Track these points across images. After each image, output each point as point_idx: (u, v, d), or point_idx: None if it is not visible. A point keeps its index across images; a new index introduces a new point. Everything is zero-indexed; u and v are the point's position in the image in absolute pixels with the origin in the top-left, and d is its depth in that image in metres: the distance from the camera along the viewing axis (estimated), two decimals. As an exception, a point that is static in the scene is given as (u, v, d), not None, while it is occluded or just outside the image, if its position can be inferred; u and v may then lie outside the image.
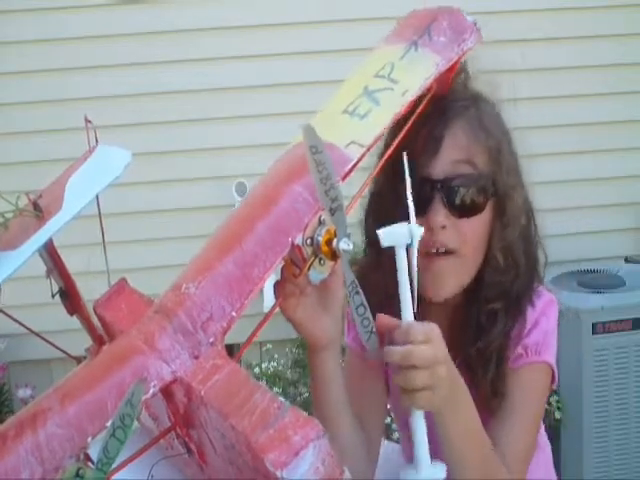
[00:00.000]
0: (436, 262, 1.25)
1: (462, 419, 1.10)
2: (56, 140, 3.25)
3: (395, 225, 0.99)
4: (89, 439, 0.83)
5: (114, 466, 0.77)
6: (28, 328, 1.30)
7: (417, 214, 1.21)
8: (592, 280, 2.97)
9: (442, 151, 1.23)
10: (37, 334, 1.32)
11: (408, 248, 0.99)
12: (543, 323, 1.31)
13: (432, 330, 1.01)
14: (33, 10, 3.28)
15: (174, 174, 3.35)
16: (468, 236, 1.25)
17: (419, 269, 1.25)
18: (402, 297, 1.00)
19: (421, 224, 1.16)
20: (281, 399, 0.81)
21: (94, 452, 0.78)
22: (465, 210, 1.24)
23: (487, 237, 1.27)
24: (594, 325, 2.82)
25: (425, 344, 0.99)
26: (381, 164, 1.16)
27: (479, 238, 1.26)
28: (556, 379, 1.33)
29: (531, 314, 1.31)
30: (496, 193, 1.26)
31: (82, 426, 0.84)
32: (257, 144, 3.33)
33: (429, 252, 1.23)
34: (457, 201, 1.23)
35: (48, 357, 3.25)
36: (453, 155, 1.24)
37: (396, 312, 1.03)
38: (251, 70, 3.36)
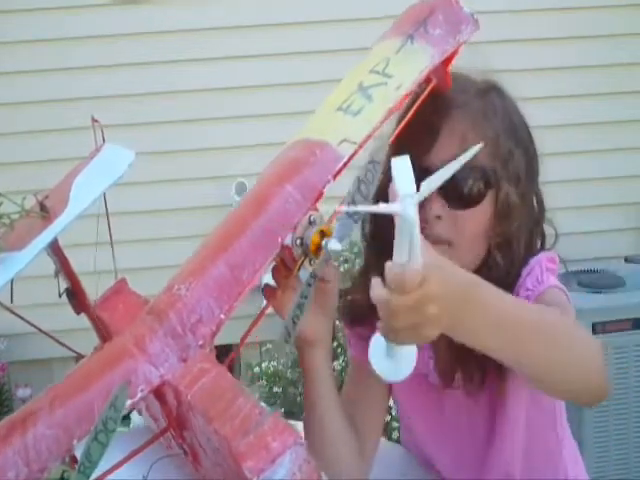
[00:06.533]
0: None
1: (476, 323, 0.94)
2: (56, 140, 3.27)
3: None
4: (75, 441, 0.83)
5: (113, 464, 0.77)
6: (37, 327, 1.31)
7: None
8: (592, 280, 2.96)
9: (439, 142, 1.21)
10: (48, 334, 1.33)
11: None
12: (537, 269, 1.26)
13: (407, 274, 0.82)
14: (33, 10, 3.29)
15: (173, 174, 3.36)
16: (464, 228, 1.22)
17: None
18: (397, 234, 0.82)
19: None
20: (263, 405, 0.82)
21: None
22: (461, 201, 1.22)
23: (486, 231, 1.24)
24: (594, 325, 2.81)
25: (400, 293, 0.83)
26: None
27: (476, 231, 1.23)
28: (571, 303, 1.25)
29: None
30: (495, 185, 1.24)
31: (69, 428, 0.84)
32: (257, 144, 3.33)
33: None
34: (453, 192, 1.21)
35: (48, 357, 3.26)
36: (450, 147, 1.21)
37: None
38: (251, 70, 3.36)
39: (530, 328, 1.00)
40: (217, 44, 3.35)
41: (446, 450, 1.42)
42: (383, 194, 1.28)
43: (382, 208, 0.80)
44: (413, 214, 0.78)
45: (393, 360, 0.88)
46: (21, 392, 3.29)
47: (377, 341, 0.89)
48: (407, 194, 0.78)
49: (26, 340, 3.24)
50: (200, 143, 3.39)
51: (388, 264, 0.83)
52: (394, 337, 0.88)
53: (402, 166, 0.80)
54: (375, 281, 0.85)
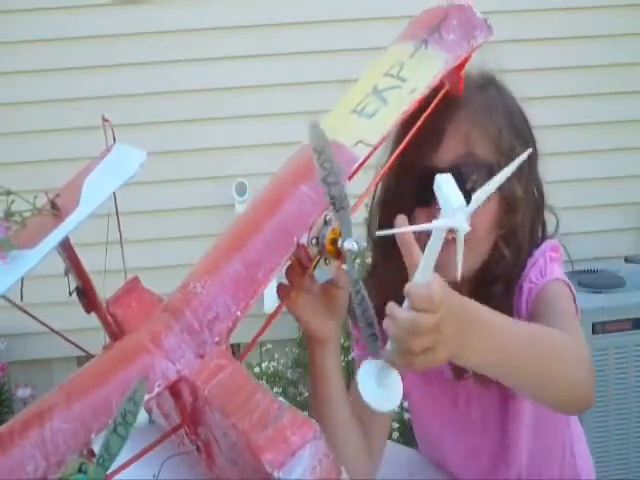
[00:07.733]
0: (442, 248, 1.24)
1: (483, 346, 0.96)
2: (56, 140, 3.27)
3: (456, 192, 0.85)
4: (93, 435, 0.84)
5: (122, 462, 0.77)
6: (49, 327, 1.31)
7: (421, 205, 1.22)
8: (592, 280, 2.97)
9: (444, 142, 1.23)
10: (58, 332, 1.33)
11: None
12: (540, 260, 1.29)
13: (434, 291, 0.86)
14: (33, 10, 3.29)
15: (174, 174, 3.36)
16: (474, 224, 1.23)
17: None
18: (426, 255, 0.86)
19: (426, 214, 1.20)
20: (281, 399, 0.82)
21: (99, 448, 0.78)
22: (468, 200, 1.24)
23: (494, 225, 1.27)
24: (594, 325, 2.81)
25: (427, 312, 0.85)
26: (391, 161, 1.16)
27: (486, 226, 1.25)
28: (574, 294, 1.28)
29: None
30: None
31: (86, 422, 0.85)
32: (257, 144, 3.34)
33: None
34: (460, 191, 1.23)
35: (48, 357, 3.26)
36: (456, 147, 1.23)
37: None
38: (251, 70, 3.36)
39: (526, 353, 1.01)
40: (217, 44, 3.35)
41: (460, 441, 1.44)
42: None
43: (437, 224, 0.86)
44: (466, 227, 0.84)
45: (383, 390, 0.90)
46: (21, 392, 3.29)
47: (366, 372, 0.90)
48: (459, 207, 0.84)
49: (26, 340, 3.24)
50: (200, 143, 3.39)
51: (410, 284, 0.86)
52: (409, 361, 0.88)
53: (446, 182, 0.86)
54: (391, 305, 0.87)
